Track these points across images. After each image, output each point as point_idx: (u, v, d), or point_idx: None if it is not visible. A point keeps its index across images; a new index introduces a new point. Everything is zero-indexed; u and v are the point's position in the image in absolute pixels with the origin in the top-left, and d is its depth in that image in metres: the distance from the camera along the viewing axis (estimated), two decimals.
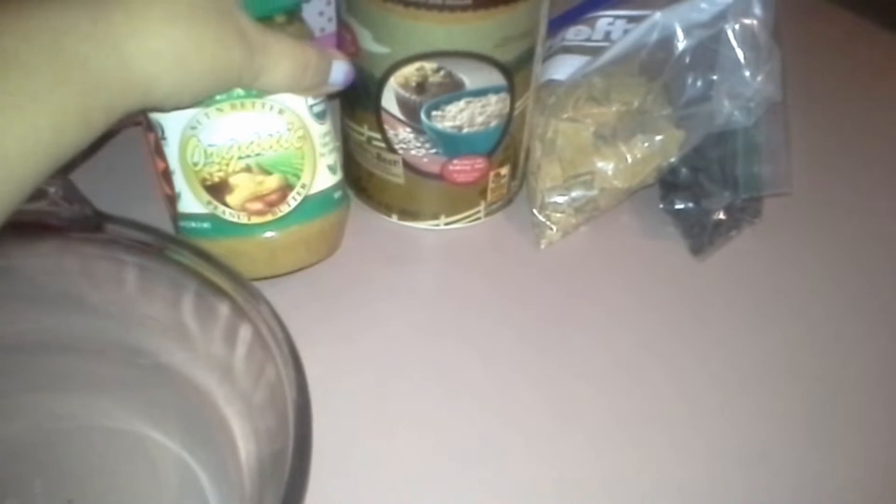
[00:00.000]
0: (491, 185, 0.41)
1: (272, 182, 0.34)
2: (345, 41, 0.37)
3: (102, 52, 0.25)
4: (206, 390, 0.29)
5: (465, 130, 0.37)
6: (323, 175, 0.35)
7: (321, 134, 0.35)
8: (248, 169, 0.33)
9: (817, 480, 0.33)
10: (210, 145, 0.33)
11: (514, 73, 0.37)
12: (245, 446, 0.28)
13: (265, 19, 0.32)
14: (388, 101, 0.37)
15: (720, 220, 0.41)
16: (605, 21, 0.44)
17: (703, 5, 0.40)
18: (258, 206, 0.34)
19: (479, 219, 0.42)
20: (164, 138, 0.33)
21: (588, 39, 0.44)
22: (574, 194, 0.41)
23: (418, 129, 0.37)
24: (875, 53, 0.57)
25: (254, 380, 0.27)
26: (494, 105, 0.37)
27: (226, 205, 0.34)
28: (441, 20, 0.34)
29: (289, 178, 0.34)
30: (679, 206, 0.42)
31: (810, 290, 0.40)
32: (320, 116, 0.35)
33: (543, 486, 0.32)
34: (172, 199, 0.35)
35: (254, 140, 0.33)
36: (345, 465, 0.32)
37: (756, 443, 0.34)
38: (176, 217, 0.35)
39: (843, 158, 0.48)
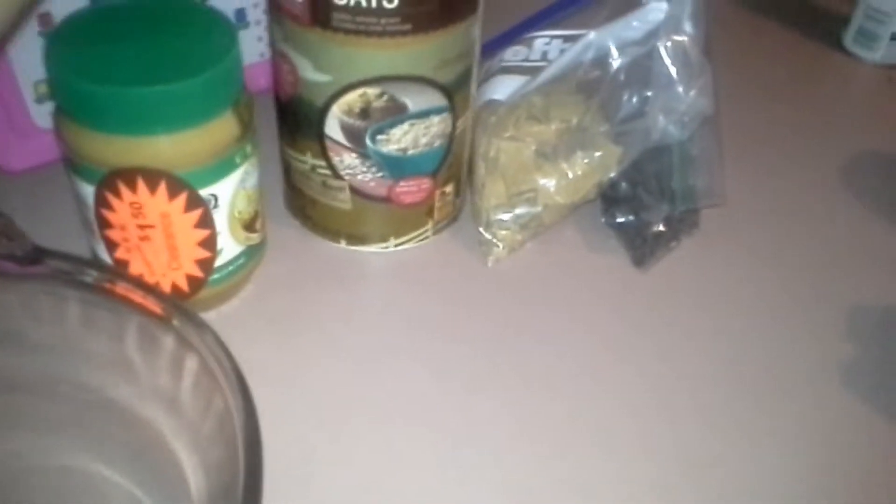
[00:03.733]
0: (437, 203, 0.41)
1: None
2: (282, 71, 0.37)
3: None
4: (154, 424, 0.29)
5: (410, 152, 0.38)
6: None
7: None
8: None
9: (768, 481, 0.34)
10: (252, 187, 0.36)
11: (454, 93, 0.37)
12: (195, 479, 0.28)
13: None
14: (332, 129, 0.37)
15: (660, 231, 0.42)
16: (542, 41, 0.45)
17: (635, 23, 0.41)
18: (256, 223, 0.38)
19: (427, 238, 0.42)
20: (216, 207, 0.34)
21: (526, 59, 0.45)
22: (518, 211, 0.42)
23: (364, 154, 0.38)
24: (802, 63, 0.59)
25: (202, 411, 0.27)
26: (437, 125, 0.38)
27: (256, 231, 0.38)
28: (382, 46, 0.34)
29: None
30: (620, 219, 0.43)
31: (750, 295, 0.42)
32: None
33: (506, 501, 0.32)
34: (210, 260, 0.36)
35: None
36: (298, 491, 0.32)
37: (706, 447, 0.35)
38: (204, 280, 0.36)
39: (775, 167, 0.50)
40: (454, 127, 0.39)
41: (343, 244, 0.42)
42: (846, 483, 0.34)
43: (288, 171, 0.41)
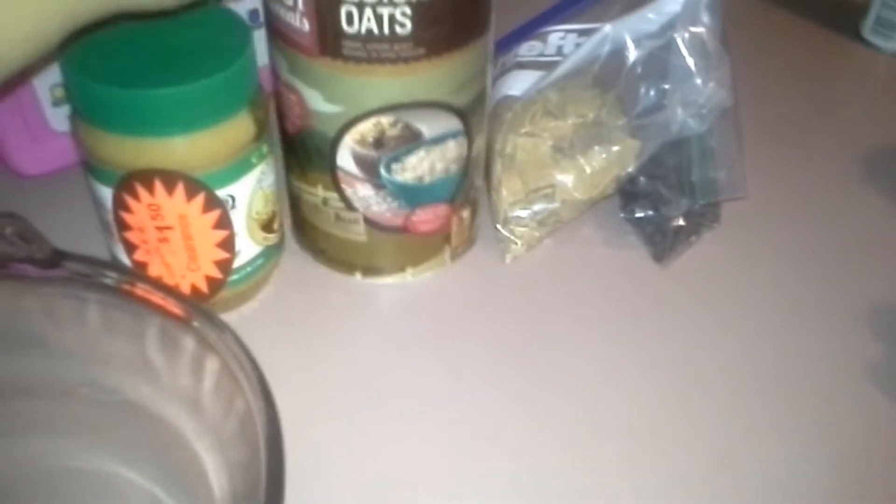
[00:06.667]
0: (454, 229, 0.40)
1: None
2: (289, 102, 0.36)
3: None
4: (175, 425, 0.29)
5: (427, 179, 0.36)
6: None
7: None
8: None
9: (794, 481, 0.33)
10: (269, 187, 0.35)
11: (470, 115, 0.36)
12: (217, 480, 0.27)
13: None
14: (344, 160, 0.35)
15: (680, 226, 0.42)
16: (557, 36, 0.45)
17: (651, 16, 0.41)
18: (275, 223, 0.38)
19: (445, 265, 0.41)
20: (234, 207, 0.34)
21: (541, 55, 0.45)
22: (536, 208, 0.41)
23: (378, 185, 0.36)
24: (820, 54, 0.59)
25: (223, 412, 0.27)
26: (453, 150, 0.36)
27: (274, 231, 0.37)
28: (396, 73, 0.33)
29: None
30: (639, 214, 0.43)
31: (773, 291, 0.41)
32: None
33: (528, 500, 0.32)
34: (228, 261, 0.35)
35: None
36: (318, 491, 0.32)
37: (728, 446, 0.34)
38: (224, 281, 0.36)
39: (795, 159, 0.49)
40: (470, 150, 0.37)
41: (358, 277, 0.40)
42: (873, 482, 0.33)
43: (297, 204, 0.40)
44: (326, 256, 0.40)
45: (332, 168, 0.36)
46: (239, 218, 0.34)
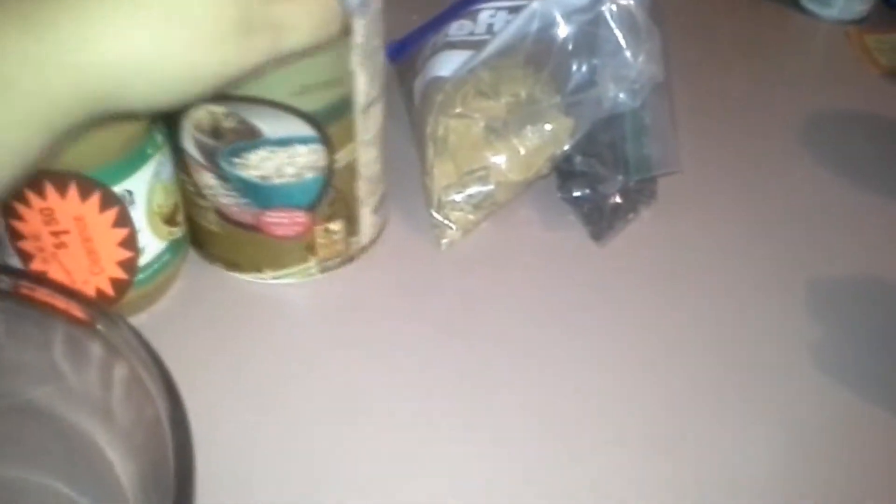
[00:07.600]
0: (320, 240, 0.38)
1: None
2: None
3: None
4: (89, 434, 0.28)
5: (276, 181, 0.35)
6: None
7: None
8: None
9: (728, 454, 0.33)
10: (168, 178, 0.34)
11: (326, 123, 0.34)
12: (130, 486, 0.27)
13: None
14: (188, 144, 0.34)
15: (617, 203, 0.41)
16: (487, 14, 0.44)
17: None
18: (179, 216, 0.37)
19: (312, 275, 0.39)
20: (133, 203, 0.32)
21: (471, 34, 0.43)
22: (470, 191, 0.40)
23: (222, 176, 0.34)
24: (758, 23, 0.58)
25: (134, 420, 0.26)
26: (306, 156, 0.34)
27: (178, 224, 0.36)
28: None
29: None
30: (576, 193, 0.42)
31: (709, 266, 0.41)
32: None
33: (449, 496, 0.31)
34: (132, 260, 0.34)
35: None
36: (239, 487, 0.31)
37: (669, 420, 0.34)
38: (130, 282, 0.34)
39: (733, 131, 0.49)
40: (332, 160, 0.35)
41: (221, 267, 0.39)
42: (808, 449, 0.33)
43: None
44: (196, 244, 0.39)
45: (178, 150, 0.35)
46: (139, 213, 0.33)
